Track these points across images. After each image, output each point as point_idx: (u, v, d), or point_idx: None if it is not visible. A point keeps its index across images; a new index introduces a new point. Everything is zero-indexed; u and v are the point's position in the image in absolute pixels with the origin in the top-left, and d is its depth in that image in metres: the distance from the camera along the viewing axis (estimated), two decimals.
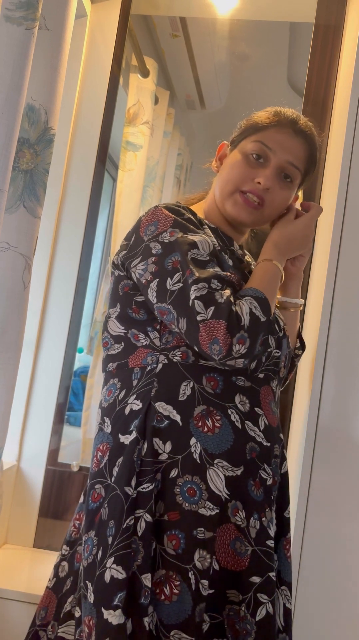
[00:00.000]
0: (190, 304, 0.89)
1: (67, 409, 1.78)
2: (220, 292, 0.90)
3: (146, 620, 0.85)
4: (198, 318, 0.88)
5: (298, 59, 1.89)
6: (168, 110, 2.06)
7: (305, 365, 1.47)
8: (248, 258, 1.13)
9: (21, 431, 1.71)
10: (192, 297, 0.89)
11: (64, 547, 1.06)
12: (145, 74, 1.90)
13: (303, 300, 1.16)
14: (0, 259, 1.15)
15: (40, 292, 1.73)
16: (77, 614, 0.96)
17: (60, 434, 1.75)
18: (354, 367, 1.34)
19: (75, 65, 1.75)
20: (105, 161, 1.80)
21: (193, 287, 0.89)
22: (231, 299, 0.90)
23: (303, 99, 1.68)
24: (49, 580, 1.06)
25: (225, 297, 0.89)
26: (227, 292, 0.90)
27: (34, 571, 1.56)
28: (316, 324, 1.35)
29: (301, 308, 1.16)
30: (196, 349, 0.91)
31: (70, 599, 1.01)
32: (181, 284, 0.91)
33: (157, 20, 1.96)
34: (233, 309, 0.89)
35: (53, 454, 1.72)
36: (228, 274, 0.94)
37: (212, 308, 0.88)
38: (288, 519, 1.05)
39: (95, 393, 1.83)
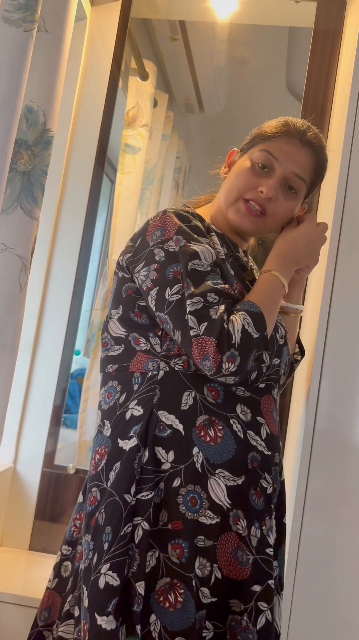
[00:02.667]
0: (185, 318, 0.89)
1: (63, 411, 1.77)
2: (215, 308, 0.89)
3: (138, 627, 0.85)
4: (191, 333, 0.88)
5: (297, 63, 1.89)
6: (167, 113, 2.06)
7: (302, 370, 1.47)
8: (251, 264, 1.13)
9: (17, 433, 1.70)
10: (187, 311, 0.89)
11: (65, 547, 1.06)
12: (144, 77, 1.90)
13: (304, 307, 1.16)
14: None
15: (38, 294, 1.73)
16: (77, 613, 0.96)
17: (56, 436, 1.75)
18: (352, 372, 1.34)
19: (75, 67, 1.75)
20: (103, 163, 1.80)
21: (188, 301, 0.89)
22: (225, 315, 0.89)
23: (302, 103, 1.69)
24: (49, 581, 1.06)
25: (218, 314, 0.88)
26: (222, 307, 0.89)
27: (29, 574, 1.55)
28: (314, 328, 1.35)
29: (301, 314, 1.16)
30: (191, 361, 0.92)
31: (69, 599, 1.01)
32: (179, 296, 0.91)
33: (156, 23, 1.97)
34: (225, 326, 0.88)
35: (49, 456, 1.71)
36: (226, 286, 0.94)
37: (205, 324, 0.88)
38: (285, 525, 1.06)
39: (92, 395, 1.83)
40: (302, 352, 1.19)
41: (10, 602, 1.40)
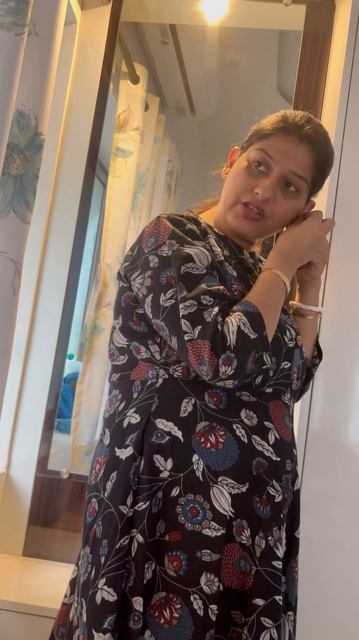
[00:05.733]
0: (179, 323, 0.86)
1: (56, 415, 1.76)
2: (209, 310, 0.86)
3: None
4: (186, 338, 0.85)
5: (288, 66, 1.90)
6: (159, 116, 2.06)
7: None
8: (262, 265, 1.09)
9: (10, 438, 1.69)
10: (180, 315, 0.86)
11: None
12: (135, 80, 1.90)
13: (322, 308, 1.11)
14: None
15: (30, 298, 1.72)
16: (75, 623, 0.95)
17: (49, 441, 1.74)
18: (344, 373, 1.35)
19: (65, 71, 1.75)
20: (95, 167, 1.80)
21: (181, 305, 0.87)
22: (219, 317, 0.86)
23: (292, 105, 1.69)
24: (66, 596, 1.03)
25: (212, 316, 0.85)
26: (216, 309, 0.86)
27: (23, 580, 1.54)
28: None
29: (321, 316, 1.12)
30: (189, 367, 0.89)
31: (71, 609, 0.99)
32: (173, 301, 0.88)
33: (147, 27, 1.97)
34: (219, 328, 0.85)
35: (42, 461, 1.70)
36: (221, 287, 0.90)
37: (199, 327, 0.85)
38: (298, 540, 1.01)
39: (85, 400, 1.82)
40: (320, 355, 1.14)
41: (5, 608, 1.39)
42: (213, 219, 1.08)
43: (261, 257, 1.17)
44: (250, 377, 0.89)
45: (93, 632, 0.84)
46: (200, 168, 2.18)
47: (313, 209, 1.08)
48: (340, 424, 1.34)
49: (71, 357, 1.89)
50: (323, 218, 1.05)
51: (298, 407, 1.35)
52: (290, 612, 0.97)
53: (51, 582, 1.52)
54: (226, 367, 0.84)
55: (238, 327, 0.86)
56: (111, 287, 1.82)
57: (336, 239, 1.37)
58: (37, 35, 1.25)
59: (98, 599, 0.86)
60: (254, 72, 2.13)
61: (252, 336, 0.86)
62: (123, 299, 1.00)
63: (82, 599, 0.90)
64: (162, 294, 0.90)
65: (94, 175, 1.80)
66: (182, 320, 0.86)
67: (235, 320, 0.87)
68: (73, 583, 1.02)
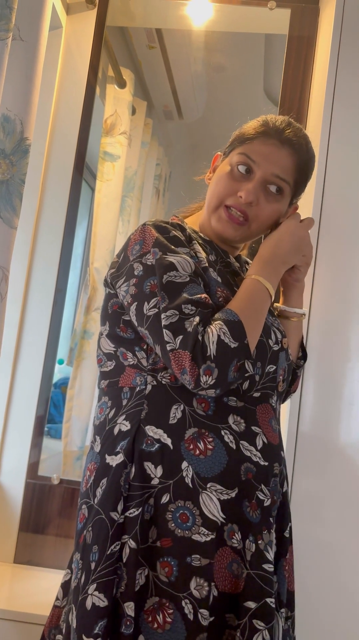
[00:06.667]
0: (162, 332, 0.87)
1: (46, 421, 1.76)
2: (190, 320, 0.86)
3: None
4: (168, 347, 0.86)
5: (274, 69, 1.91)
6: (146, 120, 2.07)
7: None
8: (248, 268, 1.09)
9: (0, 444, 1.68)
10: (162, 325, 0.87)
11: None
12: (121, 84, 1.90)
13: (305, 310, 1.12)
14: None
15: (18, 303, 1.71)
16: (63, 629, 0.95)
17: (40, 446, 1.73)
18: (333, 375, 1.35)
19: (51, 76, 1.75)
20: (82, 171, 1.80)
21: (163, 315, 0.87)
22: (200, 327, 0.86)
23: (279, 108, 1.70)
24: (58, 599, 1.02)
25: (193, 326, 0.86)
26: (197, 319, 0.87)
27: (14, 587, 1.53)
28: None
29: (304, 317, 1.13)
30: None
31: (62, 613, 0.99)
32: (156, 310, 0.89)
33: (133, 31, 1.97)
34: (200, 338, 0.85)
35: (33, 467, 1.70)
36: (203, 296, 0.90)
37: (180, 337, 0.86)
38: (288, 539, 1.02)
39: (76, 405, 1.81)
40: (304, 357, 1.15)
41: None
42: (198, 224, 1.08)
43: (248, 260, 1.17)
44: (232, 385, 0.90)
45: (84, 637, 0.85)
46: (188, 171, 2.18)
47: (296, 212, 1.08)
48: (330, 425, 1.34)
49: (61, 362, 1.88)
50: (301, 218, 1.06)
51: (287, 409, 1.35)
52: (283, 610, 0.98)
53: (43, 589, 1.51)
54: (208, 377, 0.85)
55: (218, 336, 0.86)
56: (100, 291, 1.82)
57: (323, 242, 1.38)
58: (21, 40, 1.25)
59: (88, 605, 0.86)
60: (241, 76, 2.14)
61: (233, 345, 0.87)
62: (109, 305, 1.00)
63: (73, 605, 0.90)
64: (146, 303, 0.90)
65: (82, 180, 1.80)
66: (164, 330, 0.87)
67: (215, 330, 0.87)
68: (65, 586, 1.02)
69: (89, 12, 1.78)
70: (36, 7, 1.26)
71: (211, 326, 0.88)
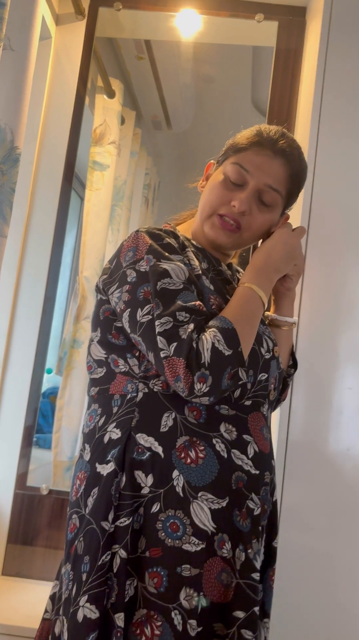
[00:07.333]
0: (155, 339, 0.87)
1: (35, 431, 1.74)
2: (185, 327, 0.86)
3: None
4: (162, 354, 0.86)
5: (262, 80, 1.93)
6: (135, 130, 2.08)
7: None
8: (241, 276, 1.10)
9: None
10: (156, 331, 0.87)
11: None
12: (111, 94, 1.91)
13: (296, 319, 1.13)
14: None
15: (7, 312, 1.70)
16: None
17: (28, 457, 1.71)
18: (323, 383, 1.36)
19: (41, 85, 1.76)
20: (71, 180, 1.80)
21: (157, 322, 0.87)
22: (194, 334, 0.86)
23: (266, 118, 1.72)
24: (47, 612, 1.01)
25: (187, 333, 0.86)
26: (191, 326, 0.86)
27: (3, 600, 1.51)
28: None
29: (295, 326, 1.14)
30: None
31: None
32: (150, 317, 0.88)
33: (122, 42, 1.99)
34: (194, 345, 0.85)
35: (21, 477, 1.68)
36: (197, 303, 0.90)
37: (174, 344, 0.85)
38: (276, 549, 1.02)
39: (66, 415, 1.80)
40: (295, 365, 1.15)
41: None
42: (191, 232, 1.08)
43: (239, 268, 1.18)
44: (225, 392, 0.90)
45: None
46: (177, 181, 2.20)
47: (287, 222, 1.09)
48: (319, 433, 1.34)
49: (50, 371, 1.87)
50: (293, 227, 1.07)
51: (277, 417, 1.36)
52: (266, 620, 0.98)
53: (32, 601, 1.49)
54: (201, 384, 0.85)
55: (213, 344, 0.86)
56: (90, 300, 1.81)
57: (311, 250, 1.39)
58: (12, 50, 1.25)
59: (80, 617, 0.85)
60: (229, 87, 2.16)
61: (227, 353, 0.87)
62: (101, 311, 1.00)
63: (64, 617, 0.89)
64: (139, 310, 0.90)
65: (71, 189, 1.80)
66: (158, 337, 0.86)
67: (209, 337, 0.87)
68: (53, 598, 1.00)
69: (78, 23, 1.80)
70: (26, 18, 1.27)
71: (205, 334, 0.88)
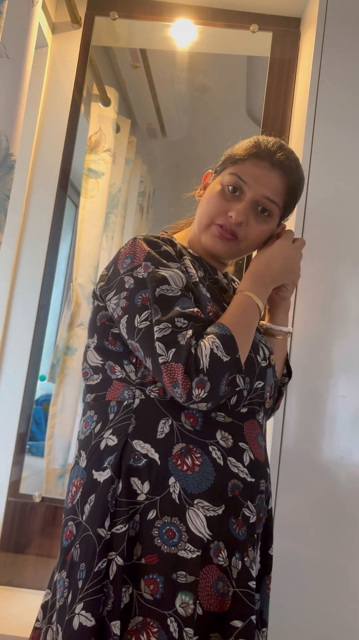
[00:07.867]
0: (154, 345, 0.87)
1: (28, 438, 1.73)
2: (183, 333, 0.87)
3: None
4: (160, 360, 0.86)
5: (256, 90, 1.95)
6: (130, 138, 2.09)
7: None
8: (236, 285, 1.11)
9: None
10: (155, 337, 0.87)
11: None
12: (106, 102, 1.92)
13: (291, 328, 1.13)
14: None
15: (1, 319, 1.70)
16: None
17: (21, 464, 1.70)
18: (317, 391, 1.36)
19: (37, 93, 1.76)
20: (66, 188, 1.80)
21: (156, 328, 0.87)
22: (193, 340, 0.87)
23: (261, 128, 1.73)
24: (38, 620, 1.00)
25: (186, 339, 0.86)
26: (190, 332, 0.87)
27: None
28: None
29: (289, 335, 1.14)
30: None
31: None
32: (148, 323, 0.89)
33: (117, 51, 2.00)
34: (193, 351, 0.86)
35: (14, 485, 1.67)
36: (195, 310, 0.91)
37: (173, 350, 0.86)
38: (272, 557, 1.02)
39: (59, 422, 1.79)
40: (289, 374, 1.16)
41: None
42: (187, 240, 1.09)
43: (234, 277, 1.18)
44: (223, 399, 0.90)
45: None
46: (172, 189, 2.21)
47: (289, 231, 1.10)
48: (313, 441, 1.35)
49: (43, 378, 1.86)
50: (294, 238, 1.08)
51: (271, 425, 1.36)
52: (264, 629, 0.97)
53: (24, 610, 1.48)
54: (200, 390, 0.85)
55: (211, 350, 0.87)
56: (84, 307, 1.81)
57: (305, 259, 1.40)
58: (8, 58, 1.26)
59: (75, 625, 0.84)
60: (224, 96, 2.18)
61: (225, 359, 0.87)
62: (98, 318, 1.00)
63: (58, 625, 0.88)
64: (137, 316, 0.90)
65: (66, 196, 1.81)
66: (157, 342, 0.87)
67: (208, 343, 0.87)
68: (45, 607, 0.99)
69: (74, 31, 1.81)
70: (22, 26, 1.28)
71: (203, 340, 0.88)
